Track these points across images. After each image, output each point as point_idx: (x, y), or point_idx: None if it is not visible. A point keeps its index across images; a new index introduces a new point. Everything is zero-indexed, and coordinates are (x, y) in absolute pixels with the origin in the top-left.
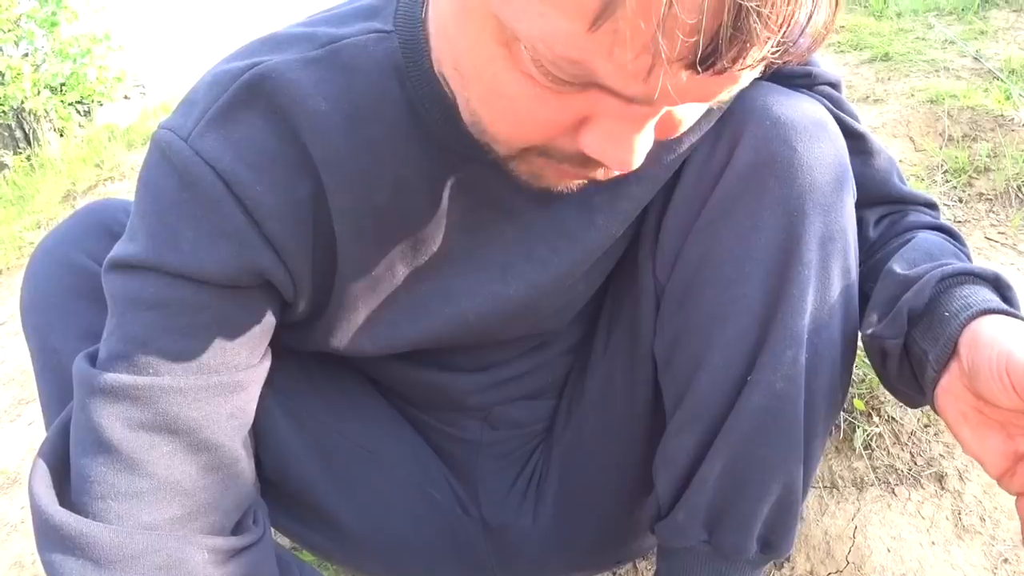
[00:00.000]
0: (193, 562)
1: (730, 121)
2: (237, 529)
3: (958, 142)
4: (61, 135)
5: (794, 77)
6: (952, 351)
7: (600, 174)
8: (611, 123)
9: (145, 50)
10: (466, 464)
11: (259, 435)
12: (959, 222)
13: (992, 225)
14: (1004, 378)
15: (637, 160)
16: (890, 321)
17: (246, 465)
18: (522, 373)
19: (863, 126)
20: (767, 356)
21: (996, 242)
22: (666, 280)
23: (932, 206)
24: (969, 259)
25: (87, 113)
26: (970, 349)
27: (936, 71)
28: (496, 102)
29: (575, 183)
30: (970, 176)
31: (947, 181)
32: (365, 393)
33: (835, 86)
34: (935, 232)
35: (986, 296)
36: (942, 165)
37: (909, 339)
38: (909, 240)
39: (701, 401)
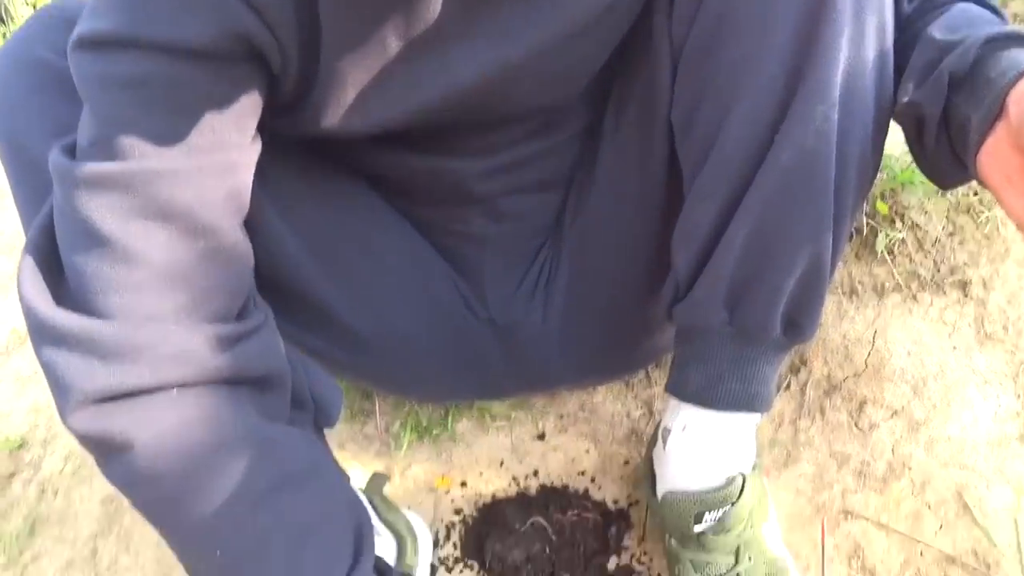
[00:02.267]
0: (201, 350)
1: None
2: (241, 314)
3: None
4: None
5: None
6: (998, 111)
7: None
8: None
9: None
10: (472, 262)
11: (251, 232)
12: None
13: None
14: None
15: None
16: (929, 86)
17: (245, 248)
18: (529, 158)
19: None
20: (797, 110)
21: None
22: (684, 40)
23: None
24: None
25: None
26: (1019, 104)
27: None
28: None
29: None
30: None
31: None
32: (363, 192)
33: None
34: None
35: None
36: None
37: (949, 106)
38: (948, 10)
39: (724, 164)
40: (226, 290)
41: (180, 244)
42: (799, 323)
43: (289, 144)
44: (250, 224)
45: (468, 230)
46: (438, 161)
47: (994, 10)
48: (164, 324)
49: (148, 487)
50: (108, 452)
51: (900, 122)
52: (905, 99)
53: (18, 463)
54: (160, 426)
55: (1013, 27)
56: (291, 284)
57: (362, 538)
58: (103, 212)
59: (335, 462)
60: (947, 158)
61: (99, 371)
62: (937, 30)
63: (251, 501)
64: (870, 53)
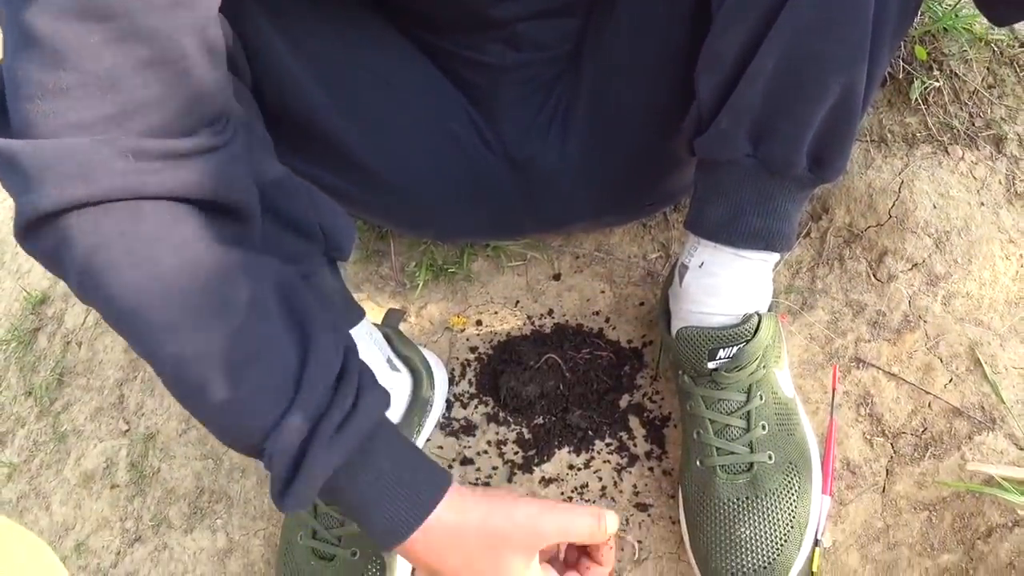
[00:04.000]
0: (113, 167)
1: None
2: (194, 132)
3: None
4: None
5: None
6: None
7: None
8: None
9: None
10: (488, 92)
11: (261, 66)
12: None
13: None
14: None
15: None
16: None
17: (204, 71)
18: None
19: None
20: None
21: None
22: None
23: None
24: None
25: None
26: None
27: None
28: None
29: None
30: None
31: None
32: (378, 23)
33: None
34: None
35: None
36: None
37: None
38: None
39: None
40: (170, 105)
41: (115, 48)
42: (826, 160)
43: None
44: (259, 58)
45: (484, 59)
46: None
47: None
48: (75, 139)
49: (99, 302)
50: (57, 272)
51: None
52: None
53: (42, 317)
54: (89, 241)
55: None
56: (303, 118)
57: (306, 382)
58: (39, 13)
59: (312, 299)
60: None
61: (23, 193)
62: None
63: (182, 323)
64: None
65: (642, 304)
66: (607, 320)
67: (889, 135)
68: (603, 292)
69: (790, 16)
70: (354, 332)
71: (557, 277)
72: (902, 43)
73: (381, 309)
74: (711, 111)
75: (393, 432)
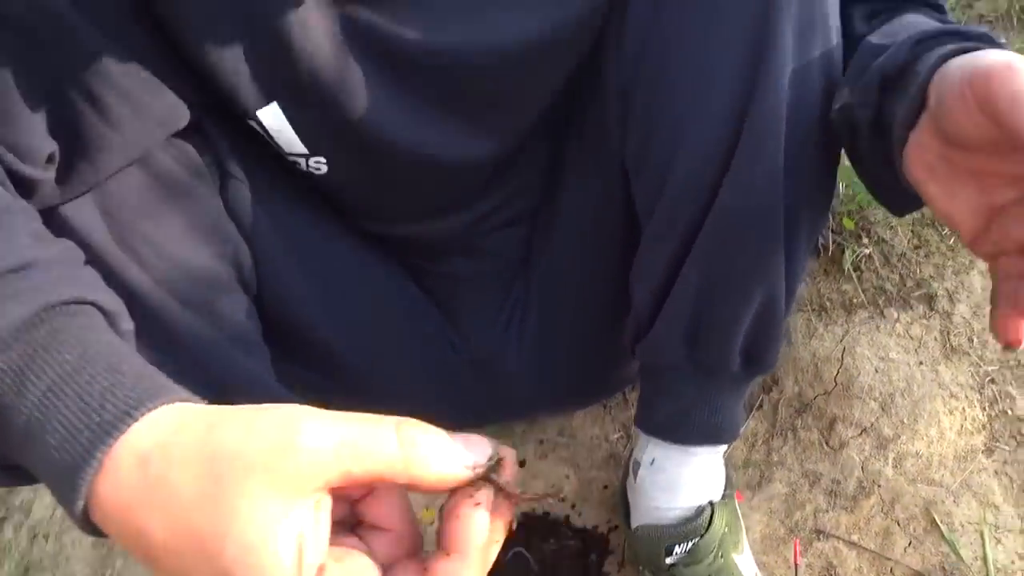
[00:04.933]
0: None
1: None
2: None
3: None
4: None
5: None
6: (922, 101)
7: None
8: None
9: None
10: (451, 300)
11: (265, 278)
12: None
13: None
14: (966, 92)
15: None
16: (861, 88)
17: None
18: (497, 205)
19: None
20: (742, 152)
21: None
22: (631, 80)
23: (937, 8)
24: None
25: None
26: (938, 86)
27: None
28: None
29: None
30: None
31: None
32: (364, 243)
33: None
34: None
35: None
36: None
37: (881, 107)
38: (893, 18)
39: (675, 206)
40: None
41: None
42: (758, 357)
43: (305, 196)
44: (264, 270)
45: (448, 270)
46: (424, 226)
47: (942, 20)
48: None
49: None
50: None
51: (837, 133)
52: (838, 105)
53: (9, 507)
54: None
55: (952, 24)
56: (298, 326)
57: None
58: None
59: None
60: (881, 163)
61: None
62: (876, 36)
63: None
64: (817, 85)
65: (606, 487)
66: (573, 506)
67: (828, 303)
68: (567, 477)
69: (708, 234)
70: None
71: (522, 464)
72: (831, 215)
73: None
74: (647, 318)
75: (91, 337)
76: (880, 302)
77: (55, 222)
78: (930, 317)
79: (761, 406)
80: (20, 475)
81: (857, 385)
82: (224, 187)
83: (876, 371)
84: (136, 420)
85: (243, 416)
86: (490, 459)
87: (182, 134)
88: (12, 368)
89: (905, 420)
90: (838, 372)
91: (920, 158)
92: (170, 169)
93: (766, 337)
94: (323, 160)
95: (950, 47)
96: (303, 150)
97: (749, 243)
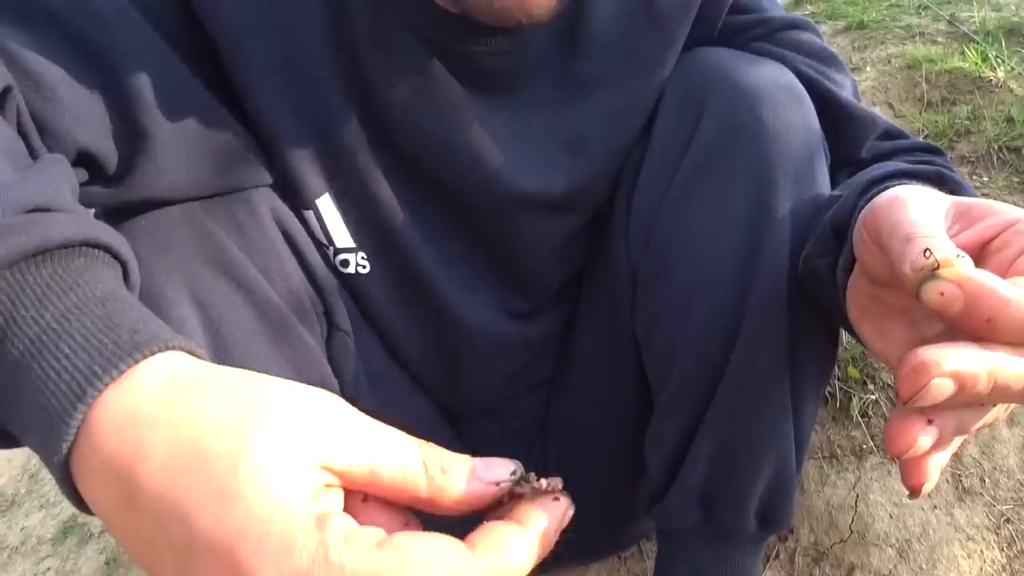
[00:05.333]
0: None
1: (693, 92)
2: None
3: (937, 106)
4: None
5: (747, 28)
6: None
7: None
8: None
9: None
10: (476, 454)
11: None
12: None
13: (976, 188)
14: (862, 229)
15: None
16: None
17: None
18: (518, 371)
19: (837, 75)
20: (747, 331)
21: None
22: (640, 259)
23: (932, 150)
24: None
25: None
26: (859, 228)
27: (912, 36)
28: None
29: (540, 6)
30: (951, 140)
31: None
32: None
33: (799, 26)
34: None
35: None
36: (922, 130)
37: (837, 256)
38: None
39: (684, 381)
40: None
41: None
42: (773, 517)
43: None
44: None
45: (474, 428)
46: (456, 394)
47: (929, 162)
48: None
49: None
50: None
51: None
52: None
53: None
54: None
55: (899, 164)
56: None
57: None
58: None
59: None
60: (840, 313)
61: None
62: (839, 188)
63: None
64: None
65: None
66: None
67: (839, 450)
68: None
69: (717, 410)
70: None
71: None
72: (836, 365)
73: None
74: (662, 484)
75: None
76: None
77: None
78: None
79: (777, 555)
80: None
81: (873, 532)
82: (330, 337)
83: (891, 517)
84: (172, 348)
85: (285, 381)
86: (513, 473)
87: (285, 272)
88: (36, 287)
89: (924, 566)
90: (853, 519)
91: (855, 299)
92: (277, 305)
93: (779, 498)
94: (366, 258)
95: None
96: (351, 243)
97: (758, 415)
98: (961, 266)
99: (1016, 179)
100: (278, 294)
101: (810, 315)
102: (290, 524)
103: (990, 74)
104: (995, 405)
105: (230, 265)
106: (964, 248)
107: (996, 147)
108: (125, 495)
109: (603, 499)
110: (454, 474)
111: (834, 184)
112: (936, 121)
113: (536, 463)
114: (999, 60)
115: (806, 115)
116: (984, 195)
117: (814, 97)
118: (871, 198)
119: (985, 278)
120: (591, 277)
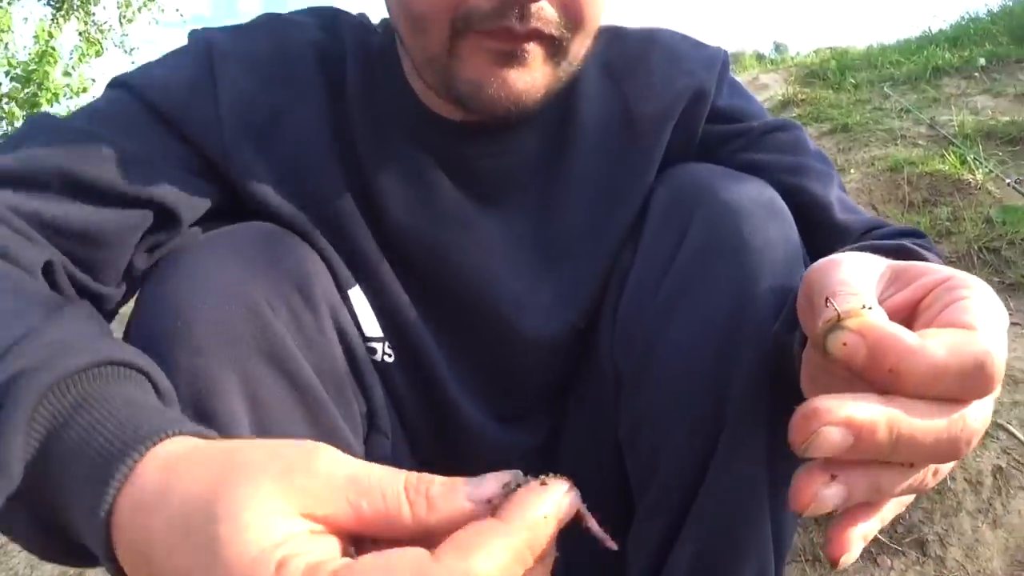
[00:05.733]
0: None
1: (681, 205)
2: None
3: (919, 208)
4: None
5: (730, 139)
6: None
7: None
8: None
9: None
10: None
11: None
12: None
13: None
14: (800, 296)
15: None
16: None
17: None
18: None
19: (819, 166)
20: (726, 438)
21: None
22: (624, 365)
23: (911, 233)
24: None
25: None
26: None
27: (894, 139)
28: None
29: (527, 94)
30: (933, 240)
31: None
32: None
33: (780, 128)
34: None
35: None
36: None
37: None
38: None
39: (666, 485)
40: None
41: None
42: None
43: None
44: None
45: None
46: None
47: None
48: None
49: None
50: None
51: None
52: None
53: None
54: None
55: (868, 243)
56: None
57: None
58: None
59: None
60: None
61: None
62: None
63: None
64: None
65: None
66: None
67: (820, 553)
68: None
69: (700, 512)
70: None
71: None
72: None
73: None
74: None
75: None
76: (872, 550)
77: (199, 409)
78: (923, 563)
79: None
80: (83, 553)
81: None
82: (368, 440)
83: None
84: (170, 437)
85: (268, 443)
86: (506, 485)
87: (334, 368)
88: (66, 406)
89: None
90: None
91: (806, 370)
92: (324, 401)
93: None
94: (391, 347)
95: None
96: (379, 333)
97: (738, 523)
98: (867, 316)
99: (996, 279)
100: (325, 388)
101: (789, 421)
102: (255, 573)
103: (969, 176)
104: (914, 465)
105: (284, 360)
106: (896, 309)
107: (976, 247)
108: (146, 572)
109: None
110: (440, 499)
111: None
112: (918, 222)
113: None
114: (977, 163)
115: (787, 230)
116: None
117: (794, 207)
118: None
119: (889, 327)
120: (577, 382)
